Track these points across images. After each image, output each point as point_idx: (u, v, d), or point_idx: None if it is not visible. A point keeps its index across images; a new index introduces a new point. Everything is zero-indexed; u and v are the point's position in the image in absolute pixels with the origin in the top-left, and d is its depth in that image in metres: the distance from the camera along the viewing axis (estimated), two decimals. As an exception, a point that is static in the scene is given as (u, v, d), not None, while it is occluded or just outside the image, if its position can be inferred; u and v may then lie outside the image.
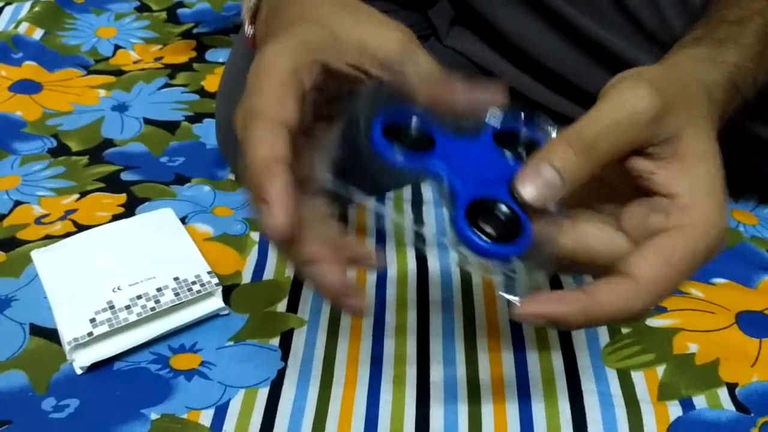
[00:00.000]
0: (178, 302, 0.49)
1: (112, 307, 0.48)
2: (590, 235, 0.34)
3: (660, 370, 0.48)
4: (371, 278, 0.54)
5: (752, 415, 0.45)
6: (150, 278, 0.50)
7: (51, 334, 0.49)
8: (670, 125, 0.33)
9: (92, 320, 0.47)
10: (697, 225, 0.33)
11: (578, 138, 0.32)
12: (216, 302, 0.51)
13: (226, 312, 0.51)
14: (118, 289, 0.50)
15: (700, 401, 0.46)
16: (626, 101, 0.33)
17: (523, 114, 0.36)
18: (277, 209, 0.32)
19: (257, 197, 0.32)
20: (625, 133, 0.33)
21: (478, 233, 0.31)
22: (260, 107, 0.34)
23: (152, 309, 0.49)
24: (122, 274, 0.51)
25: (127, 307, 0.48)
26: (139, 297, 0.49)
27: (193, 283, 0.50)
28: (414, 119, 0.34)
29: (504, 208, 0.32)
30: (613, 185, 0.35)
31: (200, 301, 0.50)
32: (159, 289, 0.50)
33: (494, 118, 0.36)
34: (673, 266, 0.32)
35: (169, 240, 0.55)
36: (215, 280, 0.51)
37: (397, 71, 0.35)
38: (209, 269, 0.52)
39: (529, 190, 0.32)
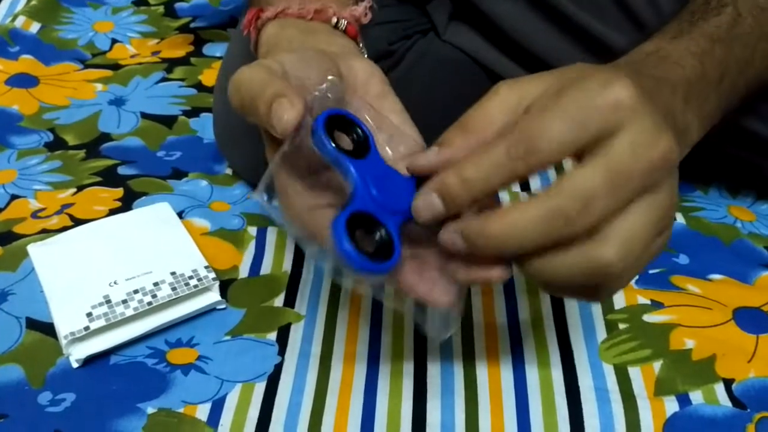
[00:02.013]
0: (175, 297, 0.49)
1: (108, 302, 0.48)
2: None
3: (657, 365, 0.48)
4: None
5: (749, 410, 0.45)
6: (147, 273, 0.50)
7: (47, 328, 0.49)
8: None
9: (89, 314, 0.47)
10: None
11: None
12: (213, 296, 0.51)
13: (223, 306, 0.51)
14: (115, 283, 0.49)
15: (696, 397, 0.46)
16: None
17: None
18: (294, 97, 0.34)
19: (269, 100, 0.34)
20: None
21: (351, 243, 0.33)
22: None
23: (149, 303, 0.48)
24: (119, 269, 0.51)
25: (124, 302, 0.48)
26: (135, 291, 0.49)
27: (190, 277, 0.50)
28: (357, 127, 0.36)
29: (383, 230, 0.34)
30: None
31: (197, 296, 0.50)
32: (156, 284, 0.50)
33: None
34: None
35: (166, 234, 0.54)
36: (212, 275, 0.51)
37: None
38: (206, 264, 0.51)
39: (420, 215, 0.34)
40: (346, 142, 0.36)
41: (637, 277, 0.36)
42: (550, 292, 0.42)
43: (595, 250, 0.32)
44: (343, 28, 0.45)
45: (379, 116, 0.39)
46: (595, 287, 0.35)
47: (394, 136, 0.38)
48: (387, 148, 0.38)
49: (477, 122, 0.34)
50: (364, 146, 0.36)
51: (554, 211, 0.31)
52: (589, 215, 0.32)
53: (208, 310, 0.51)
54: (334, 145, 0.35)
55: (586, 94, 0.32)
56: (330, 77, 0.38)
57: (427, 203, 0.34)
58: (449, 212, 0.34)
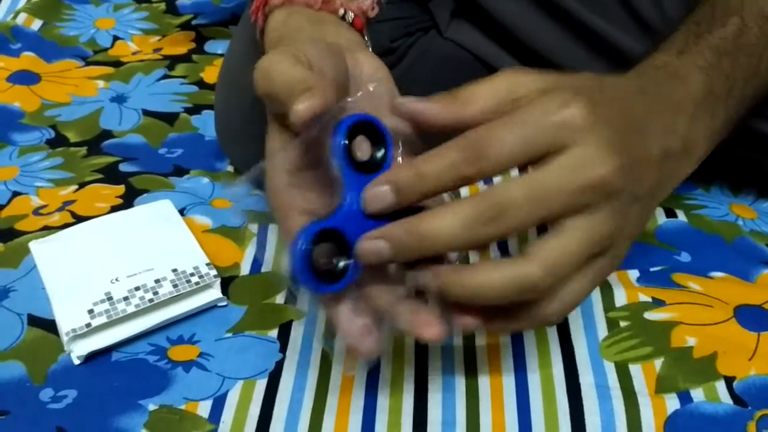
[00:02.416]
0: (176, 294, 0.49)
1: (110, 299, 0.48)
2: None
3: (658, 363, 0.48)
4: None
5: (750, 408, 0.45)
6: (148, 270, 0.50)
7: (49, 325, 0.49)
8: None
9: (90, 311, 0.47)
10: None
11: None
12: (214, 293, 0.51)
13: (224, 303, 0.51)
14: (116, 280, 0.50)
15: (697, 394, 0.46)
16: None
17: None
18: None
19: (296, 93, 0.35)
20: None
21: (306, 254, 0.34)
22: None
23: (150, 300, 0.49)
24: (120, 266, 0.51)
25: (125, 299, 0.48)
26: (137, 288, 0.49)
27: (192, 274, 0.50)
28: (382, 138, 0.37)
29: (344, 257, 0.36)
30: None
31: (198, 293, 0.50)
32: (157, 281, 0.50)
33: None
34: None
35: (168, 231, 0.54)
36: (214, 272, 0.51)
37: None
38: (208, 261, 0.52)
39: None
40: (365, 151, 0.36)
41: (582, 295, 0.37)
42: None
43: (522, 265, 0.34)
44: (350, 21, 0.45)
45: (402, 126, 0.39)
46: (527, 307, 0.36)
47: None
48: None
49: (465, 95, 0.35)
50: (379, 161, 0.36)
51: (473, 214, 0.33)
52: (503, 223, 0.33)
53: (210, 307, 0.51)
54: (344, 148, 0.35)
55: (542, 111, 0.34)
56: (373, 84, 0.39)
57: (378, 193, 0.35)
58: (398, 205, 0.35)
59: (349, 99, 0.37)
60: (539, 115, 0.34)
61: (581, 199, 0.34)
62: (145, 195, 0.61)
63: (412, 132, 0.37)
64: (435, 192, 0.34)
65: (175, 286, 0.49)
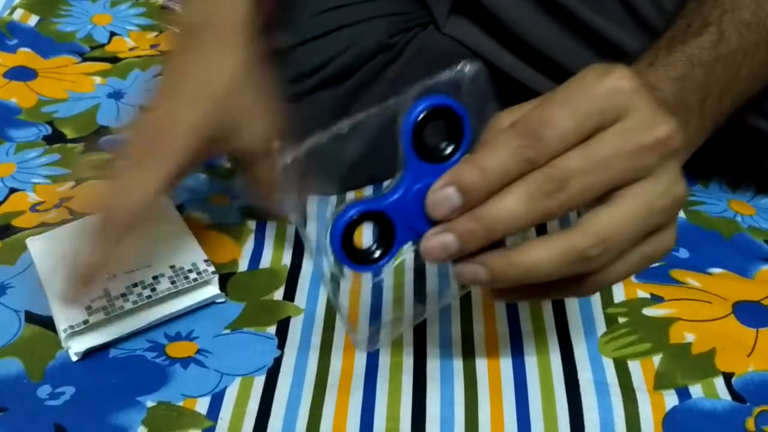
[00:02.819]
0: (174, 290, 0.49)
1: (108, 295, 0.48)
2: None
3: (656, 359, 0.48)
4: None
5: (748, 404, 0.45)
6: (146, 266, 0.50)
7: (46, 322, 0.49)
8: None
9: (88, 308, 0.47)
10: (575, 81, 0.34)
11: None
12: (212, 290, 0.51)
13: (222, 300, 0.51)
14: (114, 276, 0.49)
15: (696, 390, 0.46)
16: None
17: None
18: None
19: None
20: None
21: (344, 244, 0.34)
22: None
23: (148, 297, 0.48)
24: (118, 262, 0.50)
25: (123, 295, 0.48)
26: (135, 285, 0.49)
27: (189, 271, 0.50)
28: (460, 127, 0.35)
29: (385, 243, 0.35)
30: None
31: (196, 289, 0.50)
32: (155, 277, 0.50)
33: None
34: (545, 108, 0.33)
35: (165, 228, 0.54)
36: (212, 269, 0.51)
37: None
38: (206, 257, 0.51)
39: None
40: (436, 139, 0.35)
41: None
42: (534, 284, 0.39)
43: (574, 237, 0.33)
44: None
45: None
46: (578, 279, 0.35)
47: None
48: None
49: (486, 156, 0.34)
50: (452, 150, 0.35)
51: (534, 189, 0.33)
52: (565, 194, 0.33)
53: (208, 304, 0.51)
54: (412, 131, 0.34)
55: (584, 84, 0.33)
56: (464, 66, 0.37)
57: (444, 197, 0.33)
58: (466, 206, 0.33)
59: (438, 78, 0.35)
60: (584, 89, 0.33)
61: (642, 161, 0.33)
62: (142, 191, 0.60)
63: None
64: (502, 184, 0.33)
65: (173, 282, 0.49)
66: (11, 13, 0.82)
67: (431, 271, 0.53)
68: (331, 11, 0.60)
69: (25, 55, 0.77)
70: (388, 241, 0.35)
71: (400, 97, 0.34)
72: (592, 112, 0.33)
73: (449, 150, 0.35)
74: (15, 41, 0.78)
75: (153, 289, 0.49)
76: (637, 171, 0.34)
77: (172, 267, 0.50)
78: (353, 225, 0.34)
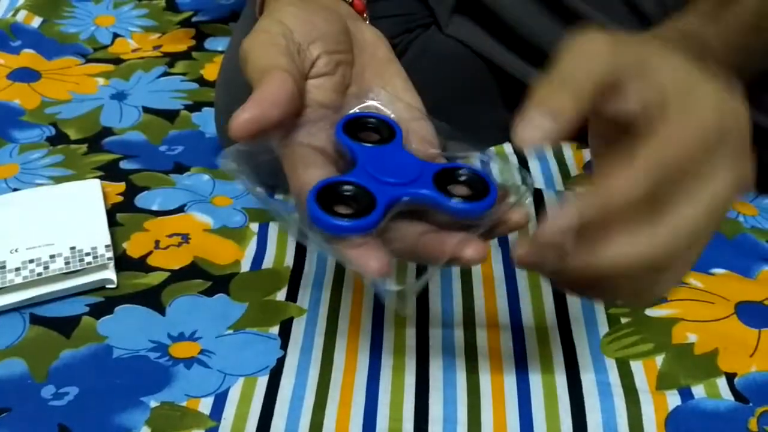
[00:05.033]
0: (66, 270, 0.50)
1: (2, 267, 0.50)
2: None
3: (659, 359, 0.48)
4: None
5: (751, 404, 0.45)
6: (48, 244, 0.52)
7: (51, 323, 0.49)
8: (630, 55, 0.33)
9: None
10: (686, 109, 0.32)
11: (551, 80, 0.33)
12: (104, 274, 0.51)
13: (113, 286, 0.52)
14: (16, 251, 0.51)
15: (698, 391, 0.46)
16: (582, 44, 0.34)
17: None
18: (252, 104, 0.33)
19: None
20: (591, 67, 0.33)
21: (320, 205, 0.33)
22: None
23: (39, 274, 0.50)
24: (24, 237, 0.52)
25: (17, 269, 0.50)
26: (31, 261, 0.50)
27: (87, 254, 0.51)
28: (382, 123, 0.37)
29: (354, 190, 0.34)
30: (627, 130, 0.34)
31: (90, 272, 0.51)
32: (52, 256, 0.51)
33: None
34: (669, 144, 0.31)
35: (82, 210, 0.56)
36: (109, 254, 0.52)
37: None
38: (108, 243, 0.52)
39: (526, 132, 0.31)
40: (373, 138, 0.37)
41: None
42: (602, 284, 0.36)
43: (654, 236, 0.32)
44: (350, 1, 0.45)
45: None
46: (647, 281, 0.34)
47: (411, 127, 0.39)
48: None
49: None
50: (387, 139, 0.37)
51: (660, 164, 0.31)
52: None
53: (207, 303, 0.51)
54: (346, 136, 0.36)
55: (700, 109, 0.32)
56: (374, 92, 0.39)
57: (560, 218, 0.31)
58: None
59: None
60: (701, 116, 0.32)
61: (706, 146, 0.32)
62: (145, 192, 0.61)
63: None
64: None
65: (67, 263, 0.50)
66: (15, 14, 0.82)
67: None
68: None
69: (28, 57, 0.77)
70: (363, 202, 0.34)
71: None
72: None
73: (387, 136, 0.37)
74: (18, 43, 0.79)
75: (46, 267, 0.50)
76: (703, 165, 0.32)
77: (72, 248, 0.52)
78: (325, 193, 0.34)
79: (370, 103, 0.39)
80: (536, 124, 0.31)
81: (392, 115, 0.38)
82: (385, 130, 0.37)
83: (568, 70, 0.33)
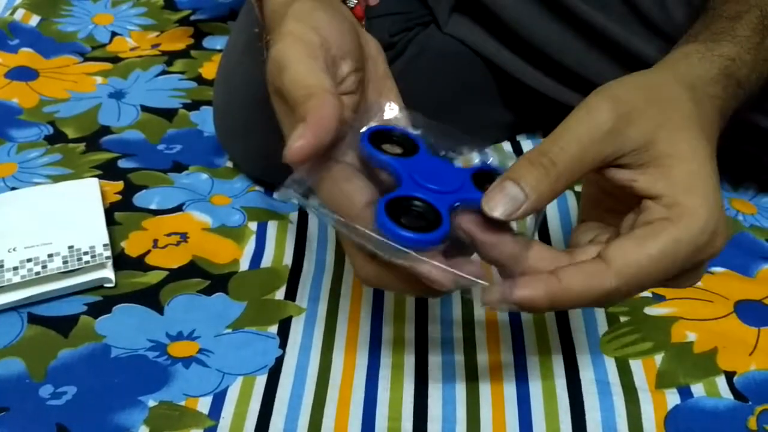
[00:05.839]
0: (64, 270, 0.50)
1: (0, 266, 0.50)
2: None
3: (658, 358, 0.48)
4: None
5: (750, 403, 0.45)
6: (46, 243, 0.51)
7: (49, 322, 0.49)
8: (637, 134, 0.33)
9: None
10: (678, 219, 0.33)
11: (540, 155, 0.33)
12: (102, 273, 0.51)
13: (111, 285, 0.52)
14: (14, 250, 0.51)
15: (698, 389, 0.46)
16: (586, 118, 0.33)
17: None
18: (309, 130, 0.32)
19: (296, 114, 0.33)
20: (586, 148, 0.33)
21: (393, 221, 0.33)
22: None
23: (37, 273, 0.50)
24: (23, 236, 0.52)
25: (15, 268, 0.50)
26: (29, 260, 0.50)
27: (85, 253, 0.51)
28: (403, 135, 0.38)
29: (419, 204, 0.34)
30: (620, 198, 0.35)
31: (88, 271, 0.51)
32: (50, 255, 0.51)
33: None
34: (648, 255, 0.32)
35: (80, 209, 0.55)
36: (107, 253, 0.51)
37: None
38: (107, 242, 0.52)
39: (492, 205, 0.32)
40: (396, 150, 0.37)
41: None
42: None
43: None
44: (352, 6, 0.45)
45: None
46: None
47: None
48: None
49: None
50: (411, 149, 0.37)
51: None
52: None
53: (205, 303, 0.51)
54: (378, 150, 0.36)
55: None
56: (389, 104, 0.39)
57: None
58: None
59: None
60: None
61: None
62: (143, 191, 0.60)
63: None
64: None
65: (65, 262, 0.50)
66: (12, 13, 0.82)
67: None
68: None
69: (26, 55, 0.77)
70: (431, 214, 0.34)
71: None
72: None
73: (410, 147, 0.37)
74: (16, 41, 0.79)
75: (44, 267, 0.50)
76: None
77: (70, 247, 0.51)
78: (396, 213, 0.34)
79: (387, 116, 0.39)
80: (510, 195, 0.32)
81: (409, 127, 0.38)
82: (406, 141, 0.37)
83: (565, 145, 0.33)
